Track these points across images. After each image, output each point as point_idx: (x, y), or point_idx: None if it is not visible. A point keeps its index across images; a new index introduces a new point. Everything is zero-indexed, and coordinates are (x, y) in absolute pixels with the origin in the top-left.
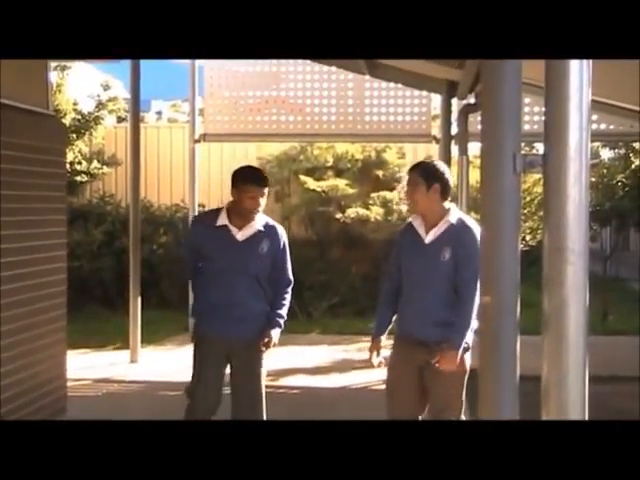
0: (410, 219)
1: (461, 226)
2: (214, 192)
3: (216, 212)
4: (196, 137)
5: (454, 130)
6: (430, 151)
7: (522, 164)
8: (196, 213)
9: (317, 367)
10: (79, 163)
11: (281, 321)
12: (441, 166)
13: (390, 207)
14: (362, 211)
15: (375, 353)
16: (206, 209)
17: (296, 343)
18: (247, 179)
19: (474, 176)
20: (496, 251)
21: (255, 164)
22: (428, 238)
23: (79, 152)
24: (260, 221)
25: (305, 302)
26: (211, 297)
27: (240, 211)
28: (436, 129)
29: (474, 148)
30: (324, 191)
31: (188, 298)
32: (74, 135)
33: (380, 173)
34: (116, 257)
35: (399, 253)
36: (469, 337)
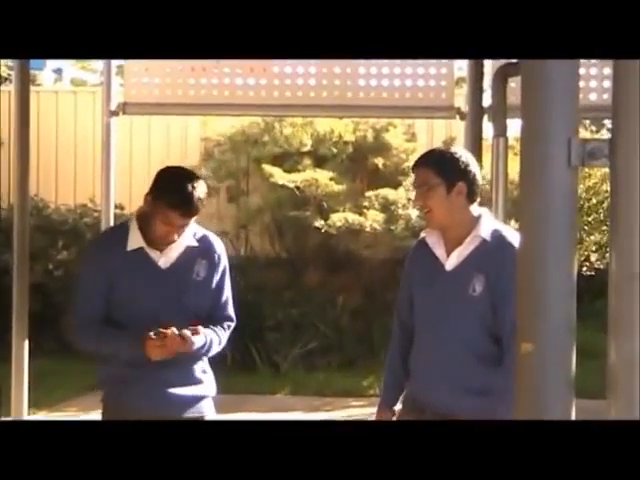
0: (423, 234)
1: (498, 242)
2: (138, 188)
3: (123, 229)
4: (113, 107)
5: (487, 101)
6: (452, 130)
7: (581, 153)
8: (112, 217)
9: None
10: None
11: (202, 339)
12: (464, 154)
13: (394, 212)
14: (353, 217)
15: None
16: (111, 224)
17: (255, 409)
18: (165, 195)
19: (515, 166)
20: (542, 277)
21: (198, 147)
22: (450, 262)
23: None
24: (187, 234)
25: (269, 348)
26: (128, 357)
27: (151, 232)
28: (461, 99)
29: (515, 126)
30: (298, 187)
31: None
32: None
33: (380, 162)
34: None
35: (410, 284)
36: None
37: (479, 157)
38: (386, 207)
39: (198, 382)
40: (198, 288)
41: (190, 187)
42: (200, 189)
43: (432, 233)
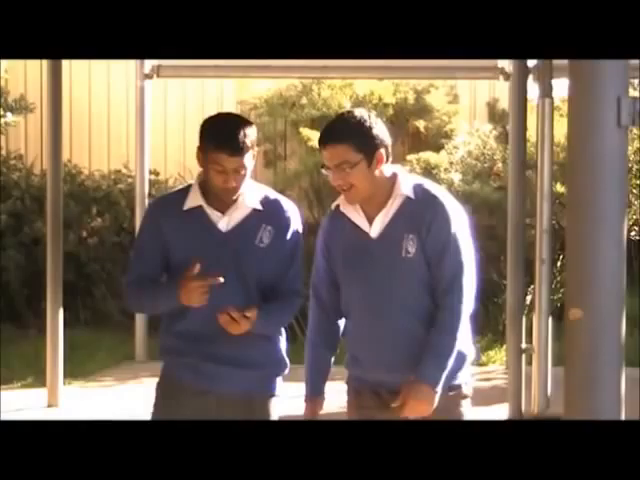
0: (337, 202)
1: (424, 197)
2: (173, 154)
3: (184, 190)
4: (147, 70)
5: (532, 61)
6: (496, 91)
7: (631, 112)
8: (146, 183)
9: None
10: None
11: (265, 319)
12: (372, 117)
13: (436, 175)
14: None
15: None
16: (172, 189)
17: (296, 379)
18: (210, 140)
19: (561, 129)
20: (590, 243)
21: (235, 110)
22: (375, 229)
23: None
24: (254, 195)
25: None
26: (184, 324)
27: (211, 187)
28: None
29: (562, 87)
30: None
31: (134, 314)
32: None
33: (421, 125)
34: (26, 250)
35: (329, 261)
36: (464, 374)
37: (524, 118)
38: (428, 171)
39: (255, 361)
40: (260, 256)
41: (233, 125)
42: (246, 127)
43: (346, 202)
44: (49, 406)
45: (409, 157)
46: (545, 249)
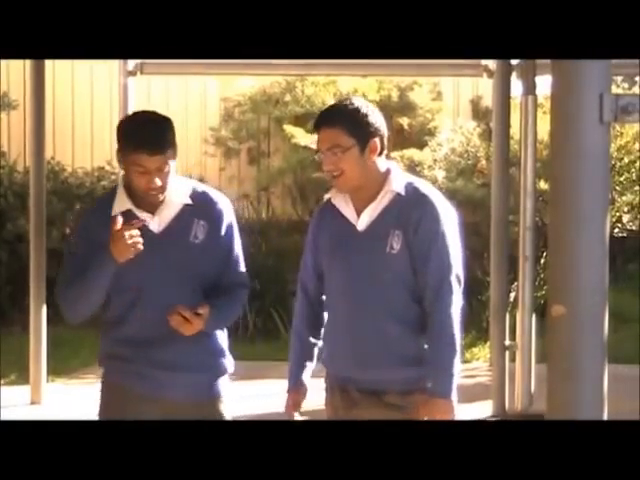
0: (328, 195)
1: (414, 195)
2: None
3: (110, 195)
4: (130, 67)
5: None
6: (479, 88)
7: (613, 109)
8: None
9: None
10: None
11: (216, 315)
12: (370, 107)
13: (419, 172)
14: None
15: (296, 413)
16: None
17: (278, 375)
18: (128, 141)
19: (544, 126)
20: (573, 238)
21: (218, 108)
22: (362, 221)
23: None
24: (182, 190)
25: (291, 314)
26: (126, 329)
27: (136, 191)
28: None
29: (545, 84)
30: (317, 149)
31: None
32: None
33: (404, 122)
34: (9, 247)
35: (316, 252)
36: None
37: (507, 116)
38: (411, 168)
39: (202, 364)
40: (197, 252)
41: (150, 123)
42: (164, 124)
43: (337, 193)
44: (32, 403)
45: (393, 154)
46: (528, 246)
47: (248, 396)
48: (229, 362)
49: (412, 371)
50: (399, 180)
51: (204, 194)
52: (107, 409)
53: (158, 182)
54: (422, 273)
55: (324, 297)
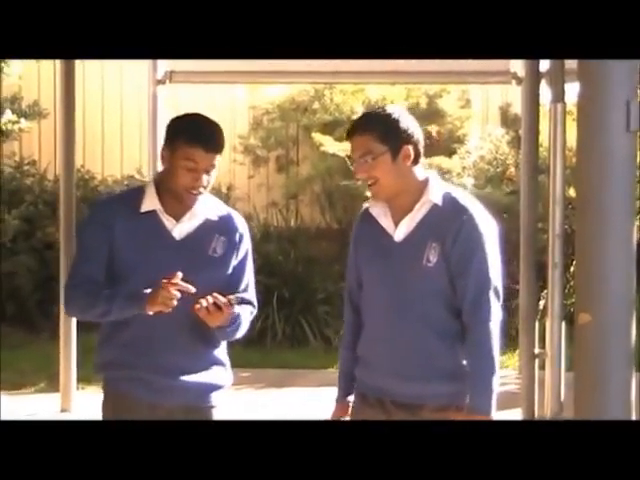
0: (366, 204)
1: (452, 206)
2: None
3: (137, 191)
4: (159, 76)
5: (544, 65)
6: (508, 96)
7: None
8: None
9: None
10: None
11: (232, 319)
12: (404, 114)
13: (448, 180)
14: None
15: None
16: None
17: (306, 383)
18: (186, 135)
19: (573, 134)
20: (600, 246)
21: (247, 116)
22: (399, 232)
23: None
24: (208, 205)
25: (320, 321)
26: (128, 332)
27: (174, 189)
28: (517, 63)
29: (575, 91)
30: (349, 156)
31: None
32: None
33: (433, 129)
34: (38, 255)
35: (357, 263)
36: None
37: (536, 123)
38: (440, 175)
39: (206, 370)
40: (214, 266)
41: (209, 122)
42: (217, 126)
43: (376, 203)
44: (62, 411)
45: (421, 162)
46: (558, 254)
47: (277, 404)
48: (229, 374)
49: (448, 386)
50: (437, 190)
51: (228, 214)
52: (110, 417)
53: (204, 181)
54: (460, 286)
55: (362, 307)
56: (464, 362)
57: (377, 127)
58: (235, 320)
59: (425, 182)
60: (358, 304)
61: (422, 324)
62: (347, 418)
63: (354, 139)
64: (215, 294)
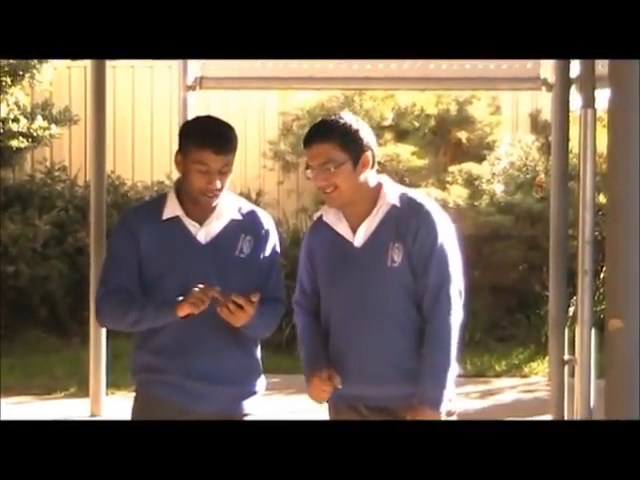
0: (320, 212)
1: (409, 206)
2: None
3: (160, 200)
4: (189, 82)
5: (574, 71)
6: (538, 102)
7: None
8: None
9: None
10: (15, 120)
11: (259, 316)
12: (359, 121)
13: (478, 186)
14: (436, 192)
15: (323, 383)
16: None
17: None
18: (195, 138)
19: (604, 140)
20: (630, 252)
21: (276, 122)
22: (359, 238)
23: (15, 104)
24: (232, 206)
25: None
26: (162, 337)
27: (190, 193)
28: (547, 69)
29: (605, 97)
30: (379, 162)
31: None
32: (8, 79)
33: (463, 136)
34: (70, 260)
35: (311, 271)
36: (449, 391)
37: (566, 129)
38: (470, 182)
39: (239, 376)
40: (242, 267)
41: (218, 124)
42: (230, 129)
43: (330, 211)
44: (92, 415)
45: (451, 168)
46: (588, 260)
47: (306, 409)
48: (262, 381)
49: (412, 383)
50: (393, 192)
51: (252, 212)
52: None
53: (218, 184)
54: (421, 281)
55: (322, 317)
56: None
57: (338, 136)
58: (261, 316)
59: (379, 186)
60: (314, 310)
61: (391, 326)
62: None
63: (313, 147)
64: (235, 294)
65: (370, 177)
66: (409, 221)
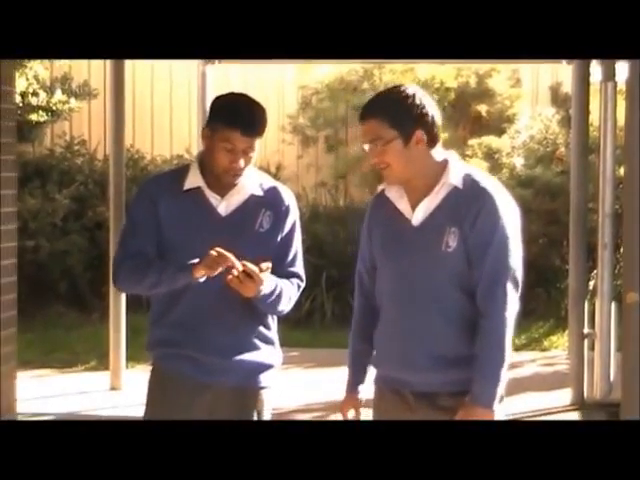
0: (381, 187)
1: (472, 189)
2: None
3: (182, 170)
4: None
5: None
6: (559, 75)
7: None
8: None
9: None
10: (34, 94)
11: (273, 288)
12: (417, 94)
13: (497, 160)
14: None
15: (352, 414)
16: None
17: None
18: (225, 116)
19: (624, 113)
20: None
21: (296, 96)
22: (417, 216)
23: (34, 78)
24: (253, 180)
25: None
26: (178, 311)
27: (213, 169)
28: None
29: (626, 70)
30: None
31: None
32: None
33: (483, 109)
34: (90, 234)
35: (370, 245)
36: (503, 382)
37: (587, 102)
38: (490, 155)
39: (255, 349)
40: (261, 241)
41: (249, 105)
42: (260, 110)
43: (392, 186)
44: (112, 389)
45: (471, 142)
46: (607, 234)
47: (325, 383)
48: (278, 354)
49: (465, 372)
50: (457, 172)
51: (273, 187)
52: (157, 395)
53: (242, 163)
54: (476, 270)
55: (376, 293)
56: (475, 347)
57: (387, 111)
58: (274, 290)
59: (444, 164)
60: (369, 289)
61: (439, 312)
62: (358, 409)
63: (364, 123)
64: (244, 262)
65: (433, 153)
66: (469, 206)
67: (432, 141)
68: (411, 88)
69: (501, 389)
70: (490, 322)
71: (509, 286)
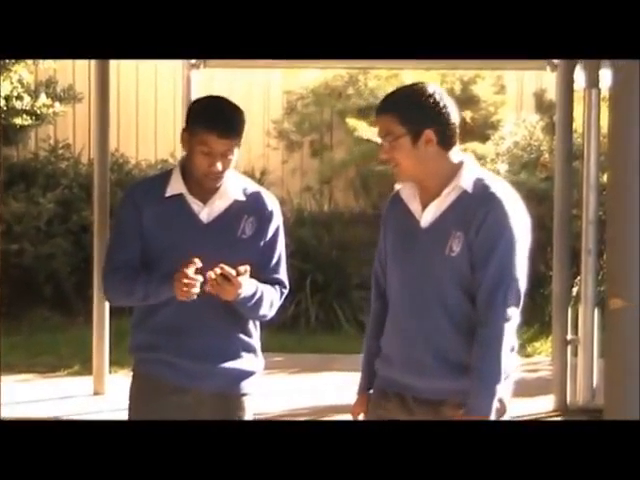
0: (397, 186)
1: (481, 194)
2: None
3: (165, 176)
4: (193, 60)
5: None
6: (543, 81)
7: None
8: None
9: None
10: (19, 98)
11: (253, 293)
12: (434, 94)
13: (482, 166)
14: None
15: (363, 416)
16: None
17: (340, 367)
18: (202, 119)
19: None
20: (631, 232)
21: (281, 101)
22: (426, 218)
23: (19, 82)
24: (236, 186)
25: (354, 307)
26: (160, 316)
27: (193, 173)
28: None
29: (609, 77)
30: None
31: None
32: None
33: (467, 115)
34: (74, 238)
35: (385, 247)
36: (503, 389)
37: (571, 109)
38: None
39: (237, 356)
40: (244, 248)
41: (225, 107)
42: (237, 112)
43: (406, 186)
44: (95, 394)
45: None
46: (591, 240)
47: (310, 389)
48: (260, 361)
49: (457, 378)
50: (469, 176)
51: (256, 192)
52: (137, 399)
53: (219, 167)
54: (478, 276)
55: (387, 293)
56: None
57: (400, 108)
58: (254, 294)
59: (458, 166)
60: (384, 290)
61: (441, 316)
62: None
63: (378, 118)
64: (222, 265)
65: (445, 155)
66: (476, 211)
67: (446, 143)
68: (431, 87)
69: (497, 398)
70: (488, 331)
71: (509, 295)
